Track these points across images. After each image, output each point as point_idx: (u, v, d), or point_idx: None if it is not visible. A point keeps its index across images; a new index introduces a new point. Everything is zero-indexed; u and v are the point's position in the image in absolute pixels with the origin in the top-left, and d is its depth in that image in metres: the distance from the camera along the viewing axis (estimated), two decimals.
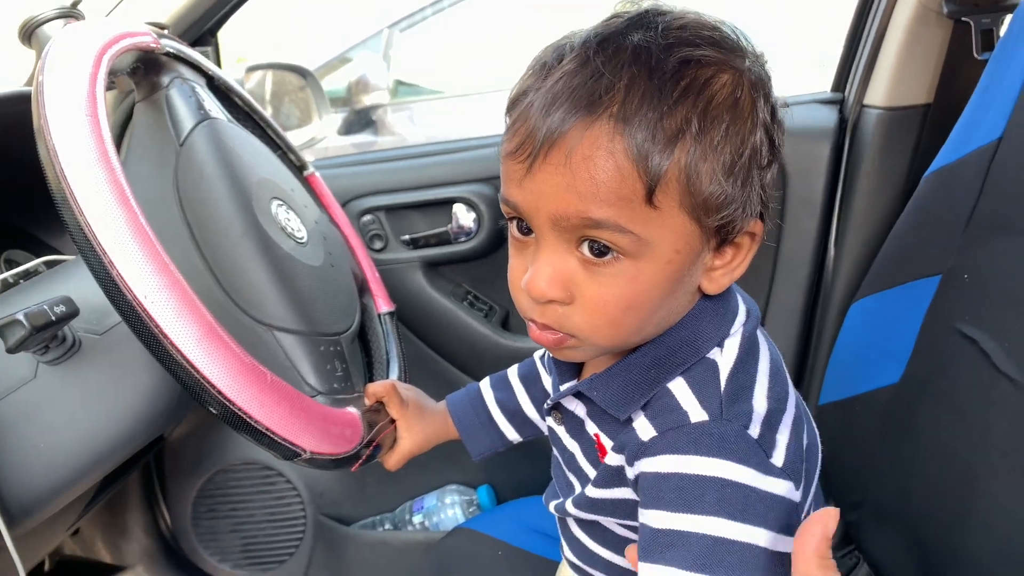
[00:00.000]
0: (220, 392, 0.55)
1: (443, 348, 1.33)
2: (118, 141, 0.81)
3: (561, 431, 0.65)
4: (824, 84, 1.27)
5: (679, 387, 0.53)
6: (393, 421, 0.78)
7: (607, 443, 0.58)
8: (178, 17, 1.07)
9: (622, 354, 0.57)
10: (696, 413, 0.51)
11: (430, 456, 1.38)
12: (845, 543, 1.24)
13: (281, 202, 0.80)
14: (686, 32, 0.48)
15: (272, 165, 0.87)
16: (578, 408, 0.61)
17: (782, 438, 0.52)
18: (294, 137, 1.54)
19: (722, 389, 0.52)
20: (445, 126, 3.31)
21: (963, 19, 1.07)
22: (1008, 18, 0.95)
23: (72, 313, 0.64)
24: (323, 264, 0.81)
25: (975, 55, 1.07)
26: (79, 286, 0.71)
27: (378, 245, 1.29)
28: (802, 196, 1.18)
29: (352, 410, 0.69)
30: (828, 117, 1.19)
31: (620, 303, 0.50)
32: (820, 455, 0.64)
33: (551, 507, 0.70)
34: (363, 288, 0.94)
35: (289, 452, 0.60)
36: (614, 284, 0.50)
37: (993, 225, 0.86)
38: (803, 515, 0.58)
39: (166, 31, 0.87)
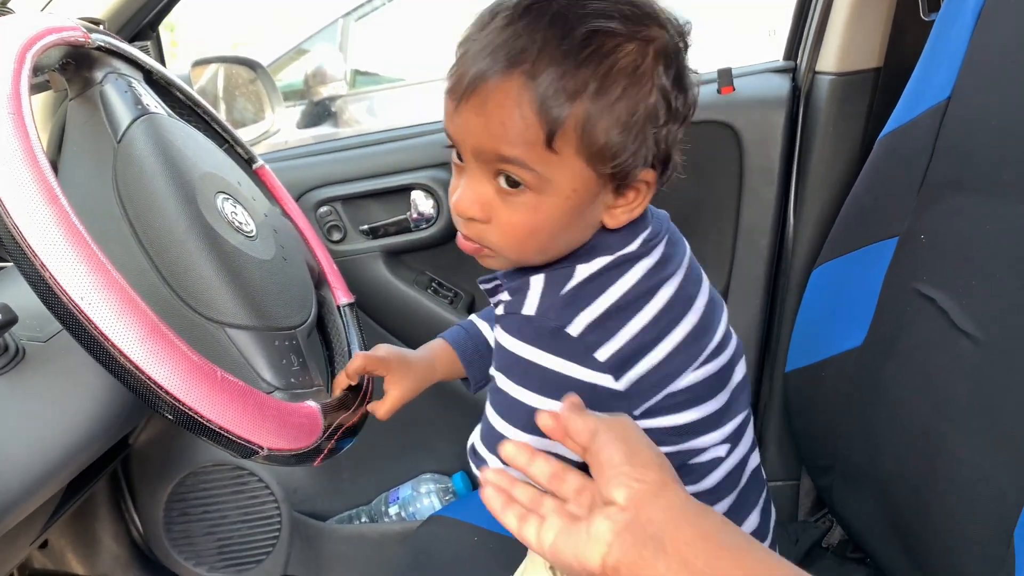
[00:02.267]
0: (168, 392, 0.54)
1: (408, 337, 1.31)
2: (59, 141, 0.79)
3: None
4: (776, 53, 1.27)
5: (536, 281, 0.64)
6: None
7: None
8: (114, 12, 1.04)
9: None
10: (528, 307, 0.63)
11: (403, 446, 1.39)
12: (818, 507, 1.26)
13: (227, 196, 0.78)
14: (603, 4, 0.57)
15: (217, 159, 0.85)
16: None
17: (614, 344, 0.62)
18: (249, 132, 1.51)
19: (562, 292, 0.63)
20: (407, 114, 3.28)
21: None
22: None
23: (10, 320, 0.62)
24: (274, 257, 0.79)
25: (922, 16, 1.07)
26: (17, 292, 0.69)
27: (336, 236, 1.27)
28: (759, 165, 1.18)
29: (311, 404, 0.68)
30: (781, 85, 1.19)
31: (525, 227, 0.61)
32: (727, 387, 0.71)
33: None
34: (320, 280, 0.93)
35: (245, 450, 0.59)
36: (522, 212, 0.60)
37: (946, 184, 0.87)
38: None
39: (101, 26, 0.85)
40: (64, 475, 0.72)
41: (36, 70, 0.61)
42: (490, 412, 0.66)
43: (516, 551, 0.90)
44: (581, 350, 0.62)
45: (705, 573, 0.46)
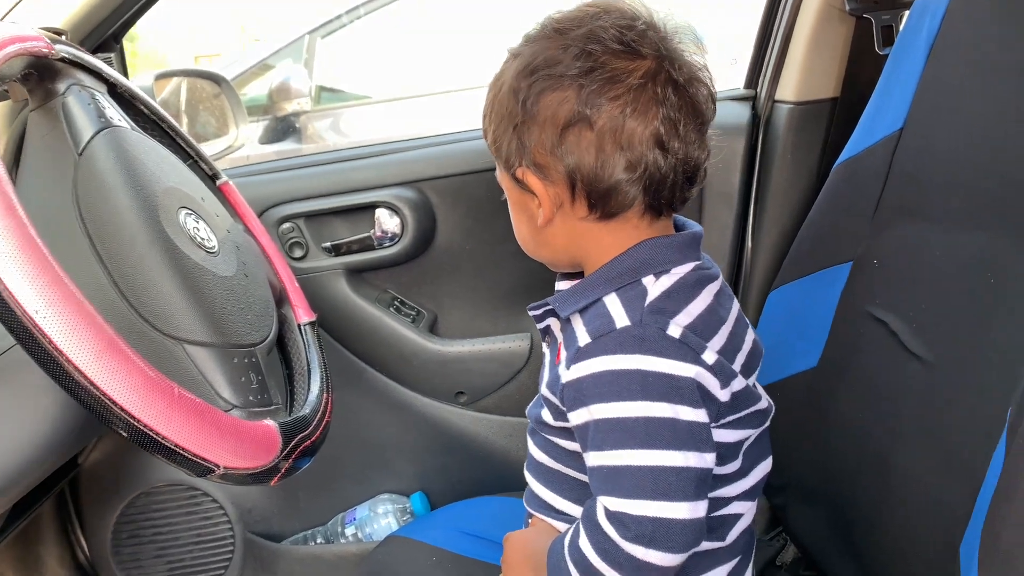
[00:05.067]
0: (123, 409, 0.53)
1: (370, 356, 1.31)
2: (16, 152, 0.77)
3: (544, 347, 0.77)
4: (737, 81, 1.30)
5: (611, 300, 0.65)
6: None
7: (563, 348, 0.70)
8: (77, 22, 1.03)
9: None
10: (621, 320, 0.63)
11: (361, 466, 1.37)
12: (773, 526, 1.27)
13: (190, 211, 0.78)
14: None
15: (180, 174, 0.84)
16: (554, 326, 0.74)
17: (712, 352, 0.64)
18: (211, 147, 1.50)
19: (646, 304, 0.64)
20: (373, 131, 3.27)
21: (865, 16, 1.11)
22: (906, 14, 0.99)
23: None
24: (236, 274, 0.78)
25: (877, 50, 1.11)
26: None
27: (298, 253, 1.26)
28: (719, 191, 1.20)
29: (269, 423, 0.67)
30: (741, 113, 1.22)
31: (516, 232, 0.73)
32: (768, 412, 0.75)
33: (527, 413, 0.78)
34: (281, 298, 0.92)
35: (201, 468, 0.58)
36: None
37: (899, 211, 0.90)
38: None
39: (63, 36, 0.84)
40: (10, 496, 0.70)
41: None
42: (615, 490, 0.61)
43: (475, 571, 0.89)
44: (687, 350, 0.62)
45: None
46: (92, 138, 0.72)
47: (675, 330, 0.62)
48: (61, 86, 0.75)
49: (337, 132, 3.25)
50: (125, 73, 1.20)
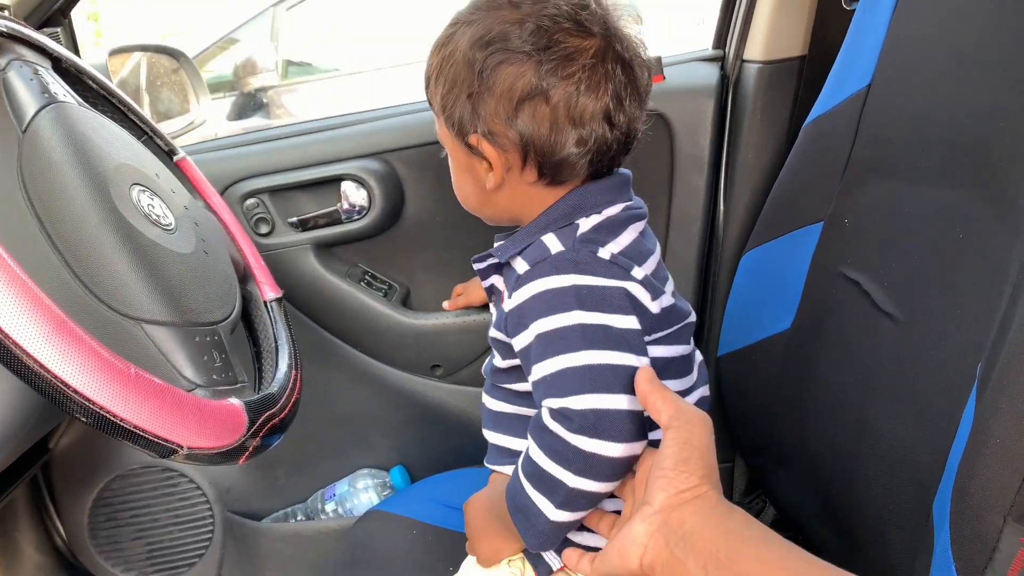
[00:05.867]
0: (77, 392, 0.51)
1: (342, 331, 1.29)
2: None
3: (491, 307, 0.81)
4: (705, 42, 1.28)
5: (548, 237, 0.69)
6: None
7: (506, 291, 0.73)
8: None
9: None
10: (556, 248, 0.68)
11: (339, 441, 1.36)
12: (752, 488, 1.28)
13: (143, 188, 0.75)
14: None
15: (132, 150, 0.81)
16: (497, 282, 0.77)
17: (640, 271, 0.69)
18: (174, 124, 1.46)
19: (578, 235, 0.69)
20: (342, 104, 3.22)
21: None
22: None
23: None
24: (195, 251, 0.76)
25: (844, 6, 1.10)
26: None
27: (264, 229, 1.24)
28: (690, 153, 1.19)
29: (234, 401, 0.65)
30: (710, 74, 1.20)
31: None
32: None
33: (483, 372, 0.82)
34: (246, 275, 0.90)
35: (164, 449, 0.56)
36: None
37: (868, 169, 0.89)
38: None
39: (5, 11, 0.80)
40: None
41: None
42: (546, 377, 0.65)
43: (455, 544, 0.89)
44: (617, 268, 0.68)
45: (726, 564, 0.51)
46: (36, 115, 0.70)
47: (605, 253, 0.68)
48: (1, 61, 0.72)
49: (305, 106, 3.21)
50: (75, 49, 1.16)
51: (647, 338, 0.69)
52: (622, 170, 0.75)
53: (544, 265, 0.68)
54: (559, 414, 0.63)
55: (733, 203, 1.19)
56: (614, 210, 0.71)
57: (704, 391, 0.81)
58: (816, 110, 0.98)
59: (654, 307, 0.69)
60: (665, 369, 0.72)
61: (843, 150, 0.92)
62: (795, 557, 0.53)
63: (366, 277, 1.29)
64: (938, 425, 0.70)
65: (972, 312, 0.69)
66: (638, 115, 0.69)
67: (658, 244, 0.78)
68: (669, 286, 0.76)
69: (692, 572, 0.52)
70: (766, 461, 1.06)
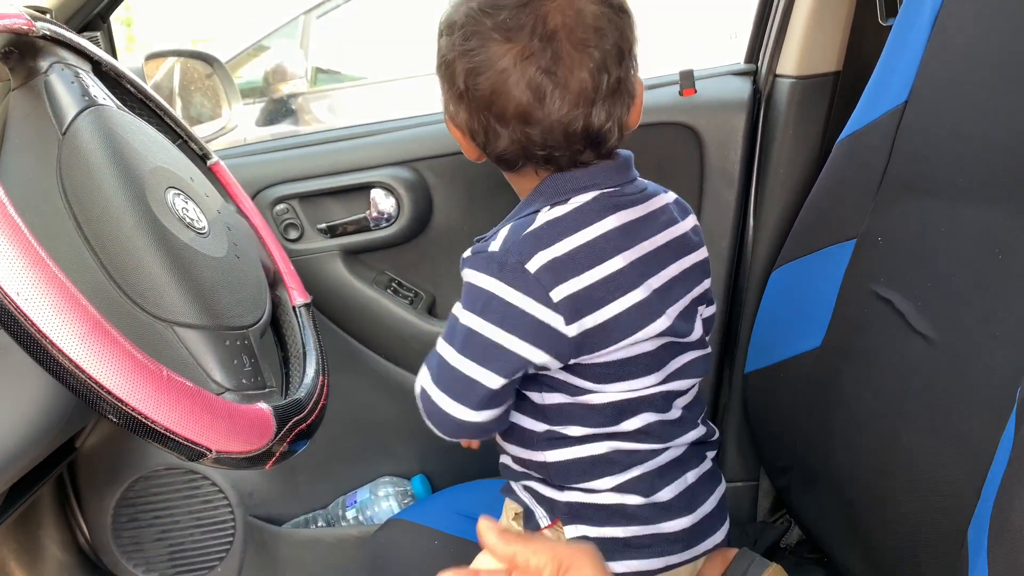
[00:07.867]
0: (111, 392, 0.52)
1: (367, 338, 1.29)
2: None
3: None
4: (737, 56, 1.27)
5: (504, 229, 0.71)
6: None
7: None
8: (63, 1, 1.01)
9: None
10: (495, 245, 0.70)
11: (362, 448, 1.36)
12: (776, 508, 1.26)
13: (178, 191, 0.76)
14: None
15: (168, 154, 0.82)
16: None
17: (567, 287, 0.68)
18: (205, 128, 1.48)
19: (525, 233, 0.70)
20: (370, 112, 3.25)
21: None
22: None
23: None
24: (227, 255, 0.77)
25: (880, 21, 1.08)
26: None
27: (293, 235, 1.24)
28: (720, 168, 1.18)
29: (263, 406, 0.65)
30: (742, 88, 1.19)
31: None
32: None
33: None
34: (275, 280, 0.90)
35: (193, 452, 0.56)
36: None
37: (903, 187, 0.88)
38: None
39: (48, 15, 0.82)
40: (3, 480, 0.69)
41: None
42: (439, 343, 0.74)
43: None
44: (536, 286, 0.68)
45: None
46: (76, 117, 0.71)
47: (534, 265, 0.68)
48: (43, 64, 0.73)
49: (333, 113, 3.23)
50: (113, 52, 1.18)
51: (577, 360, 0.71)
52: (622, 151, 0.75)
53: (478, 258, 0.71)
54: (425, 376, 0.76)
55: (763, 219, 1.18)
56: (584, 198, 0.71)
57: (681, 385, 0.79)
58: (850, 126, 0.97)
59: (571, 331, 0.68)
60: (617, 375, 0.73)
61: (878, 167, 0.91)
62: None
63: (393, 284, 1.29)
64: (974, 450, 0.68)
65: (1011, 335, 0.68)
66: (567, 108, 0.66)
67: (682, 225, 0.78)
68: (655, 281, 0.73)
69: None
70: (792, 481, 1.05)
